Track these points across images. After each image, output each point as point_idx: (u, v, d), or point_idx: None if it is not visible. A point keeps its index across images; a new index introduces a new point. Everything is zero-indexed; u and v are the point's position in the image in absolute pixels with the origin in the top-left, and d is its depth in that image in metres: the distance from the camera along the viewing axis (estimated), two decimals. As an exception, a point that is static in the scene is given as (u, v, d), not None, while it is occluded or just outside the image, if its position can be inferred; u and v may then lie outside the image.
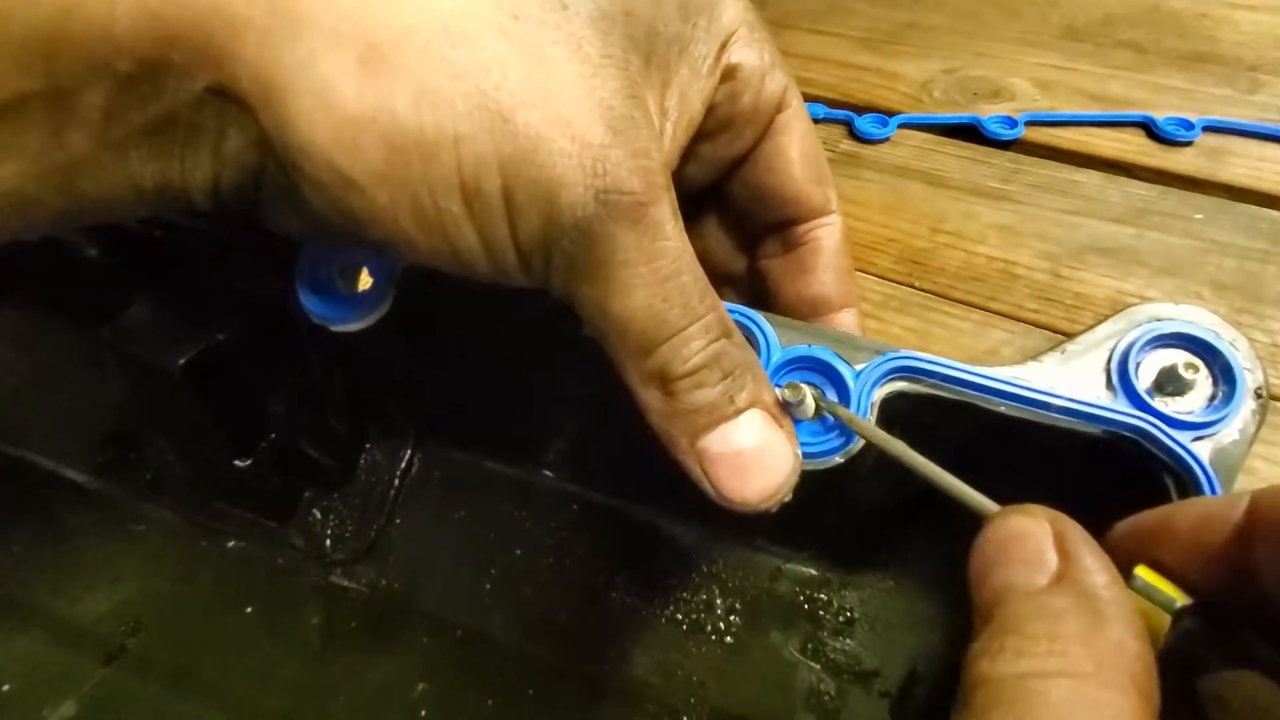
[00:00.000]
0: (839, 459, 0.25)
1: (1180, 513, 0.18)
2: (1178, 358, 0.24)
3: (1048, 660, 0.15)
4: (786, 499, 0.24)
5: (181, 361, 0.30)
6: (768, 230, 0.31)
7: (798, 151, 0.29)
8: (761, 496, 0.23)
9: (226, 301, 0.32)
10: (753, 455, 0.23)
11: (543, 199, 0.21)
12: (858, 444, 0.25)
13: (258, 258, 0.31)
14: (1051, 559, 0.16)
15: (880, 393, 0.25)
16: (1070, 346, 0.25)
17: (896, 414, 0.26)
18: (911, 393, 0.25)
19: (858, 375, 0.25)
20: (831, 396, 0.26)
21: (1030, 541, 0.17)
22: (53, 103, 0.19)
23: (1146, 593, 0.17)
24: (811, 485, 0.25)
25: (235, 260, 0.32)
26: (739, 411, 0.23)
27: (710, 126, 0.28)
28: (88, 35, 0.19)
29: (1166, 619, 0.16)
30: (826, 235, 0.30)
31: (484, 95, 0.20)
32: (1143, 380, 0.24)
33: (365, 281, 0.30)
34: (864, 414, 0.25)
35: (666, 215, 0.22)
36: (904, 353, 0.25)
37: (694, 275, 0.22)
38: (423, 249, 0.22)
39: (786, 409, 0.25)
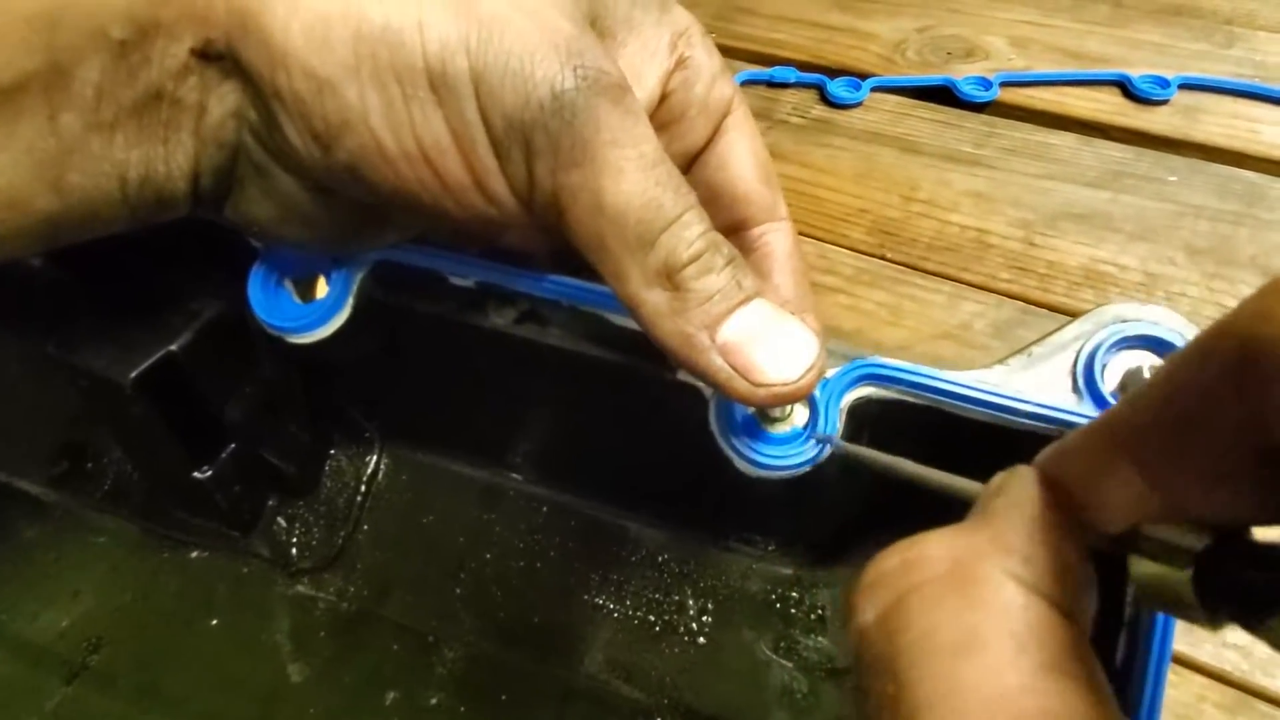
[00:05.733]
0: (808, 469, 0.25)
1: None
2: (1142, 359, 0.23)
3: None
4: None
5: (133, 375, 0.30)
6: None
7: (747, 150, 0.29)
8: (801, 370, 0.22)
9: (178, 310, 0.31)
10: (778, 333, 0.22)
11: (516, 73, 0.21)
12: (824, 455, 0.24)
13: (209, 265, 0.30)
14: None
15: (848, 399, 0.25)
16: (1036, 349, 0.24)
17: (865, 417, 0.26)
18: (879, 398, 0.25)
19: (825, 384, 0.25)
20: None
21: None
22: (50, 82, 0.20)
23: (1164, 543, 0.14)
24: (783, 489, 0.25)
25: (186, 268, 0.31)
26: (749, 297, 0.22)
27: (665, 117, 0.28)
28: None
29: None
30: (778, 241, 0.29)
31: None
32: (1108, 383, 0.24)
33: (321, 290, 0.29)
34: (831, 421, 0.25)
35: (641, 105, 0.22)
36: (871, 360, 0.25)
37: (671, 165, 0.22)
38: (392, 154, 0.22)
39: (768, 417, 0.25)
